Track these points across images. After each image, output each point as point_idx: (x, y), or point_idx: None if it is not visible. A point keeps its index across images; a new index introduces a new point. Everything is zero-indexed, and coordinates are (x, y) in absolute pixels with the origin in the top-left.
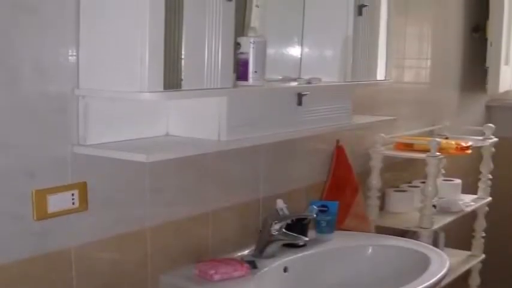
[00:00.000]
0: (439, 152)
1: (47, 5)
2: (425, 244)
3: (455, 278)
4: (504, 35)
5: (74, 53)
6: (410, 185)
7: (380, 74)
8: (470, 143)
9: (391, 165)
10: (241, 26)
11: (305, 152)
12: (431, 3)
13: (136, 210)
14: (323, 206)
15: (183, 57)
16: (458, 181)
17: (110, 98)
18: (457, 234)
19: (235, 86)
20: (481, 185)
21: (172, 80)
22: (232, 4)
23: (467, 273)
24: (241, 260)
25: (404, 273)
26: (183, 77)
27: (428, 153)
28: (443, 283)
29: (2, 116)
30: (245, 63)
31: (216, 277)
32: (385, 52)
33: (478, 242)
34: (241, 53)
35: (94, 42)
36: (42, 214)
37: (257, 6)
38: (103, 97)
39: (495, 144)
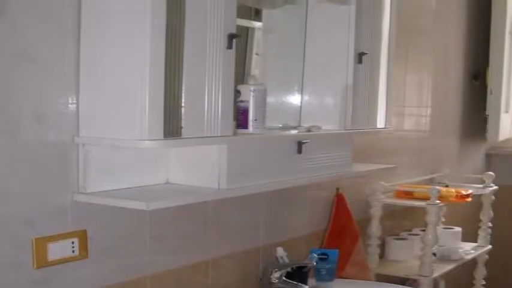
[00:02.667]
0: (439, 200)
1: (47, 54)
2: None
3: None
4: (504, 83)
5: (74, 101)
6: (410, 233)
7: (380, 122)
8: (470, 191)
9: (391, 213)
10: (241, 74)
11: (305, 199)
12: (431, 51)
13: (136, 258)
14: (323, 254)
15: (183, 105)
16: (458, 229)
17: (110, 146)
18: (457, 282)
19: (235, 134)
20: (481, 233)
21: (172, 128)
22: (232, 52)
23: None
24: None
25: None
26: (183, 125)
27: (428, 201)
28: None
29: (1, 164)
30: (245, 111)
31: None
32: (385, 100)
33: None
34: (241, 101)
35: (94, 91)
36: (42, 262)
37: (257, 54)
38: (103, 145)
39: (495, 192)
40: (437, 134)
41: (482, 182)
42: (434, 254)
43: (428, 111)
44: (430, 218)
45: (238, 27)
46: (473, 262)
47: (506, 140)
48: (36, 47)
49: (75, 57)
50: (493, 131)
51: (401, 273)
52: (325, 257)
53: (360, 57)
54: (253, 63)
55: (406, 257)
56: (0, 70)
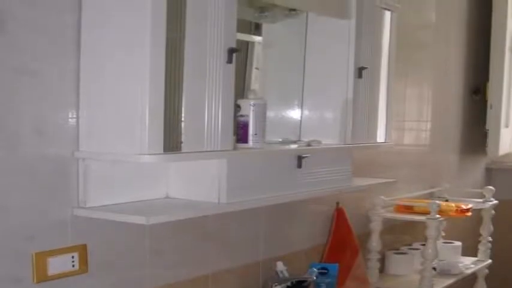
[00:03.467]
0: (439, 214)
1: (48, 68)
2: None
3: None
4: (504, 97)
5: (74, 116)
6: (410, 247)
7: (380, 136)
8: (470, 206)
9: (391, 228)
10: (241, 88)
11: (305, 214)
12: (431, 65)
13: (136, 273)
14: (323, 268)
15: (183, 119)
16: (458, 243)
17: (110, 161)
18: None
19: (235, 148)
20: (481, 247)
21: (172, 143)
22: (232, 66)
23: None
24: None
25: None
26: (183, 140)
27: (428, 215)
28: None
29: (2, 178)
30: (245, 126)
31: None
32: (385, 114)
33: None
34: (241, 115)
35: (94, 105)
36: (42, 277)
37: (257, 68)
38: (103, 159)
39: (495, 207)
40: (437, 148)
41: (482, 196)
42: (434, 269)
43: (428, 125)
44: (430, 232)
45: (238, 41)
46: (474, 276)
47: (506, 155)
48: (36, 61)
49: (75, 71)
50: (493, 146)
51: None
52: (325, 271)
53: (360, 71)
54: (253, 77)
55: (406, 271)
56: (0, 84)
